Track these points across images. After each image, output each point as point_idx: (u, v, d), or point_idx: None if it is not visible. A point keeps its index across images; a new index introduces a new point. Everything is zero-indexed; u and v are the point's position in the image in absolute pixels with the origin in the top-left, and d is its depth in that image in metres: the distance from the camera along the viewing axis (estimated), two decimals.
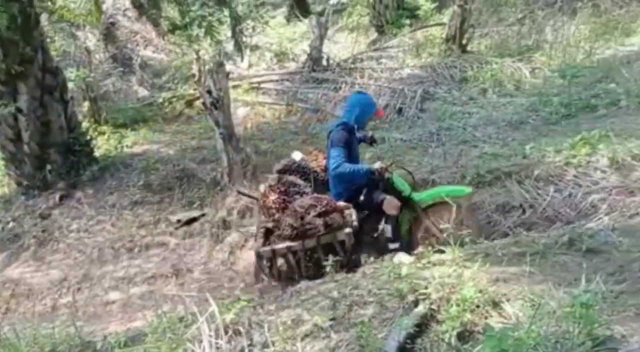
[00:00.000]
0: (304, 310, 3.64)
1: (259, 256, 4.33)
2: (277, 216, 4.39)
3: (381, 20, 12.08)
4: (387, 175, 4.50)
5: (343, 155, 4.40)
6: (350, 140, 4.53)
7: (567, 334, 2.63)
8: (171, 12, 12.90)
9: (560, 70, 7.64)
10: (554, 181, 5.40)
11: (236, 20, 9.88)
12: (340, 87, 9.10)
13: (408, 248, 4.56)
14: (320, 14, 10.94)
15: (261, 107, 9.07)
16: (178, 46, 12.21)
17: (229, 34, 9.27)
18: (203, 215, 6.38)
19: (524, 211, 5.28)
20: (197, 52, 8.89)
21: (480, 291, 3.46)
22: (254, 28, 12.43)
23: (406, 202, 4.59)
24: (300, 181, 4.64)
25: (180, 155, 7.78)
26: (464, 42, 9.48)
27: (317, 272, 4.24)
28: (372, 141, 5.05)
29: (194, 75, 8.63)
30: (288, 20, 14.28)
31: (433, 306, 3.42)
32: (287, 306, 3.88)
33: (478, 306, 3.22)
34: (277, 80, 9.83)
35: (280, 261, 4.32)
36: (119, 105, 9.72)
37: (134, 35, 12.45)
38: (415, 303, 3.49)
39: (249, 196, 5.43)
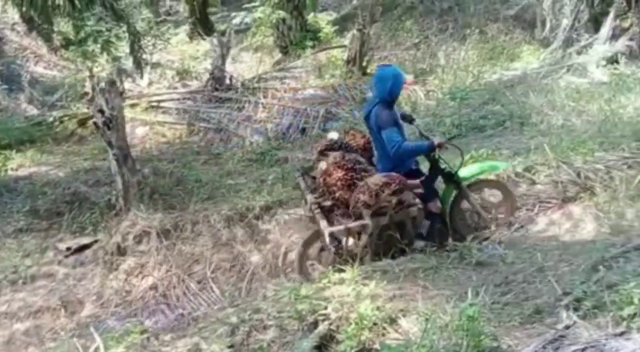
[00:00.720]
0: (202, 339, 3.51)
1: (331, 237, 4.10)
2: (338, 194, 4.23)
3: (285, 41, 12.21)
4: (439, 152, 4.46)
5: (399, 135, 4.28)
6: (396, 117, 4.42)
7: (456, 346, 2.72)
8: (64, 26, 12.27)
9: (452, 92, 8.10)
10: None
11: (135, 37, 9.57)
12: (244, 107, 9.04)
13: (444, 224, 4.61)
14: (222, 33, 10.86)
15: (161, 127, 8.78)
16: (72, 62, 11.61)
17: (128, 50, 8.95)
18: (96, 241, 6.00)
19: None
20: (90, 68, 8.46)
21: (378, 308, 3.51)
22: (154, 45, 12.12)
23: (451, 178, 4.60)
24: (361, 158, 4.45)
25: (71, 177, 7.30)
26: (364, 64, 9.81)
27: (386, 251, 4.23)
28: (410, 119, 4.90)
29: (86, 93, 8.18)
30: (191, 38, 14.06)
31: (332, 326, 3.42)
32: (184, 335, 3.73)
33: (375, 324, 3.26)
34: (178, 99, 9.59)
35: (351, 241, 4.18)
36: (4, 124, 8.99)
37: (23, 51, 11.69)
38: (315, 324, 3.48)
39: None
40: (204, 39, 12.64)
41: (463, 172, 4.68)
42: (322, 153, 4.60)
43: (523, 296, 3.51)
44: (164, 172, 7.17)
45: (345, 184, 4.22)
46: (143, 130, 8.76)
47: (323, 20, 12.84)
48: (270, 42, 12.71)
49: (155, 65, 11.89)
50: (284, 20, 11.69)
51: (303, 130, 8.34)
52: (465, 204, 4.81)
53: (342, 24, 12.57)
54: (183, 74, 11.37)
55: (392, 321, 3.52)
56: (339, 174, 4.25)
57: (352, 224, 4.15)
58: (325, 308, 3.61)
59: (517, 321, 3.22)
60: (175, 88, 10.71)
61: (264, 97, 9.32)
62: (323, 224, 4.17)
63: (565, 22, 9.05)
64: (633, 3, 8.52)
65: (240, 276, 5.46)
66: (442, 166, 4.61)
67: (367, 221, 4.11)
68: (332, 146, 4.63)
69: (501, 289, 3.69)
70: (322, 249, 4.46)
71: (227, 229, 5.76)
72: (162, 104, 9.43)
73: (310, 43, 11.88)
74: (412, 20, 11.93)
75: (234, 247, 5.65)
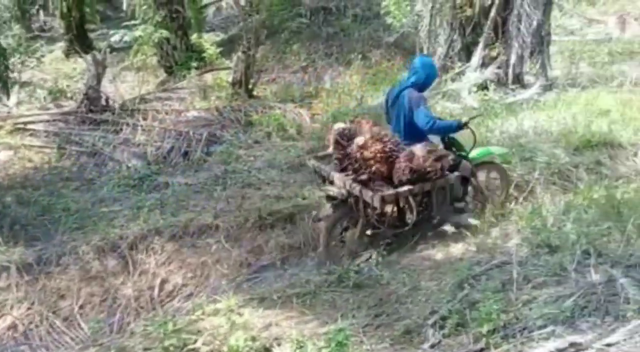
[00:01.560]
0: None
1: (382, 200, 4.35)
2: (375, 167, 4.42)
3: (170, 61, 11.86)
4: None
5: (431, 112, 4.81)
6: (426, 99, 4.85)
7: None
8: None
9: (338, 116, 8.25)
10: None
11: (1, 54, 8.82)
12: (121, 129, 8.56)
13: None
14: (98, 50, 10.30)
15: (28, 151, 8.04)
16: None
17: None
18: None
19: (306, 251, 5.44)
20: None
21: (253, 338, 3.37)
22: (24, 63, 11.24)
23: (464, 158, 4.95)
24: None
25: None
26: (250, 87, 9.74)
27: (425, 217, 4.68)
28: None
29: None
30: (67, 55, 13.20)
31: None
32: None
33: None
34: (48, 121, 8.87)
35: (389, 208, 4.56)
36: None
37: None
38: None
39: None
40: (81, 57, 11.90)
41: (472, 154, 5.11)
42: (338, 142, 4.75)
43: (395, 316, 3.54)
44: (28, 200, 6.55)
45: (384, 157, 4.45)
46: (7, 154, 7.98)
47: (209, 41, 12.67)
48: (154, 61, 12.29)
49: (26, 84, 11.01)
50: (168, 39, 11.34)
51: (185, 153, 8.05)
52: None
53: (229, 46, 12.46)
54: (57, 93, 10.59)
55: (267, 351, 3.40)
56: (378, 146, 4.44)
57: (401, 189, 4.45)
58: (195, 342, 3.42)
59: (388, 342, 3.23)
60: (48, 109, 9.94)
61: (144, 119, 8.89)
62: (368, 193, 4.37)
63: (440, 50, 9.59)
64: (500, 34, 9.24)
65: (111, 310, 5.08)
66: (457, 147, 5.05)
67: (411, 186, 4.45)
68: (345, 134, 4.74)
69: (375, 311, 3.71)
70: (346, 229, 4.82)
71: (97, 260, 5.34)
72: (29, 126, 8.66)
73: (195, 64, 11.63)
74: (300, 43, 12.08)
75: (105, 280, 5.25)
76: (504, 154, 5.62)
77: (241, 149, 7.84)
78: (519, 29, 8.77)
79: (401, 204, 4.75)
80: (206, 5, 15.12)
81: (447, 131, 4.97)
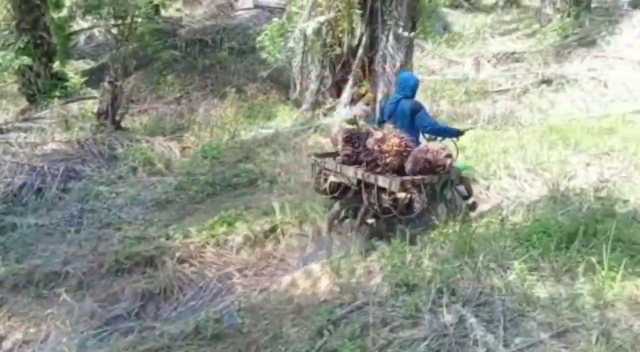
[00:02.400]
0: None
1: (401, 185, 4.80)
2: (389, 159, 4.92)
3: (32, 89, 10.94)
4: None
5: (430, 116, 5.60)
6: (422, 105, 5.50)
7: None
8: None
9: (208, 150, 8.03)
10: (194, 262, 5.41)
11: None
12: None
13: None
14: None
15: None
16: None
17: None
18: None
19: (167, 297, 5.10)
20: None
21: None
22: None
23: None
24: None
25: None
26: (117, 118, 9.19)
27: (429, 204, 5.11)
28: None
29: None
30: None
31: None
32: None
33: None
34: None
35: (401, 195, 4.85)
36: None
37: None
38: None
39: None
40: None
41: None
42: (347, 140, 5.33)
43: None
44: None
45: (399, 150, 4.95)
46: None
47: (76, 68, 11.89)
48: (15, 89, 11.29)
49: None
50: (30, 67, 10.48)
51: (39, 190, 7.31)
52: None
53: (98, 74, 11.74)
54: None
55: None
56: (395, 141, 4.95)
57: (417, 177, 4.93)
58: None
59: None
60: None
61: None
62: (386, 179, 4.85)
63: (312, 86, 9.81)
64: (367, 73, 9.64)
65: None
66: None
67: (424, 176, 4.96)
68: (354, 134, 5.37)
69: None
70: (344, 218, 5.42)
71: None
72: None
73: (59, 93, 10.82)
74: (174, 74, 11.74)
75: None
76: (469, 167, 6.11)
77: (102, 185, 7.30)
78: (384, 69, 9.20)
79: (410, 193, 4.99)
80: (76, 32, 14.21)
81: (446, 134, 5.61)
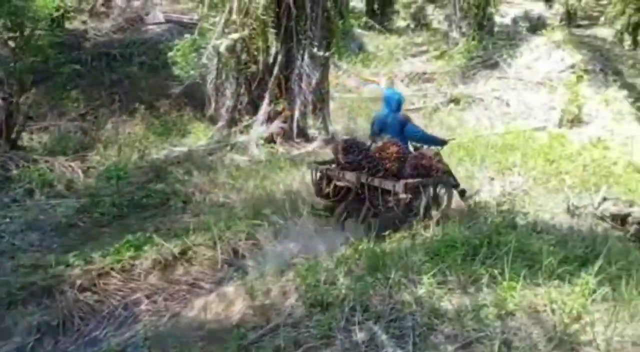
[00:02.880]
0: None
1: (405, 187, 5.40)
2: (389, 164, 5.60)
3: None
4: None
5: (417, 126, 6.41)
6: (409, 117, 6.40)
7: None
8: None
9: (114, 170, 7.64)
10: (97, 290, 5.06)
11: None
12: None
13: None
14: None
15: None
16: None
17: None
18: None
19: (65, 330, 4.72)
20: None
21: None
22: None
23: None
24: None
25: None
26: (12, 136, 8.54)
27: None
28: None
29: None
30: None
31: None
32: None
33: None
34: None
35: (403, 195, 5.39)
36: None
37: None
38: None
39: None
40: None
41: None
42: (347, 149, 5.86)
43: None
44: None
45: (397, 157, 5.64)
46: None
47: None
48: None
49: None
50: None
51: None
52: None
53: None
54: None
55: None
56: (394, 149, 5.67)
57: (417, 179, 5.53)
58: None
59: None
60: None
61: None
62: (390, 183, 5.50)
63: (228, 103, 9.65)
64: (284, 91, 9.63)
65: None
66: None
67: (422, 178, 5.55)
68: (352, 144, 5.96)
69: None
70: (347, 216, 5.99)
71: None
72: None
73: None
74: (79, 89, 11.12)
75: None
76: None
77: None
78: (300, 87, 9.25)
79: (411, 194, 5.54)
80: None
81: (432, 142, 6.27)
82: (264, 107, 9.43)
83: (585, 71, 14.54)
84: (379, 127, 6.30)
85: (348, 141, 6.16)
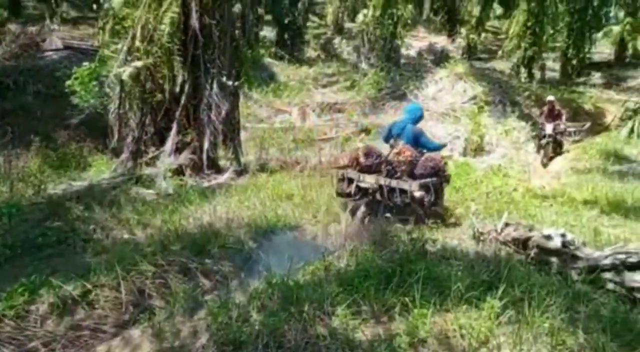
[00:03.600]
0: None
1: (420, 186, 6.71)
2: (404, 167, 6.84)
3: None
4: None
5: (430, 138, 7.69)
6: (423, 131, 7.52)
7: None
8: None
9: (7, 207, 7.00)
10: None
11: None
12: None
13: None
14: None
15: None
16: None
17: None
18: None
19: None
20: None
21: None
22: None
23: None
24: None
25: None
26: None
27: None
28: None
29: None
30: None
31: None
32: None
33: None
34: None
35: (419, 193, 6.65)
36: None
37: None
38: None
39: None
40: None
41: None
42: (367, 155, 7.07)
43: None
44: None
45: (411, 160, 6.83)
46: None
47: None
48: None
49: None
50: None
51: None
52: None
53: None
54: None
55: None
56: (408, 153, 6.85)
57: (428, 179, 6.85)
58: None
59: None
60: None
61: None
62: (406, 183, 6.67)
63: (133, 134, 9.23)
64: (192, 121, 9.38)
65: None
66: None
67: (431, 178, 6.89)
68: (371, 151, 7.20)
69: None
70: (354, 211, 6.86)
71: None
72: None
73: None
74: None
75: None
76: None
77: None
78: (209, 117, 9.07)
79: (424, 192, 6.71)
80: None
81: (439, 149, 7.67)
82: (172, 138, 9.12)
83: (486, 102, 15.55)
84: (397, 133, 7.33)
85: (368, 147, 7.42)
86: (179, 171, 9.00)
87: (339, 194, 7.28)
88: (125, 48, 8.95)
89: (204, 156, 9.13)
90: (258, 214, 7.12)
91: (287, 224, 6.95)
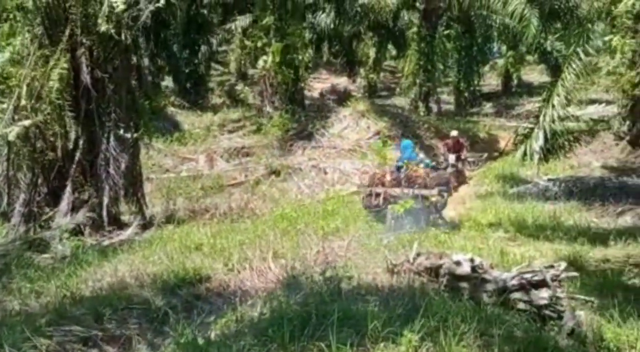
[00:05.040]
0: None
1: (438, 193, 9.45)
2: (420, 180, 9.33)
3: None
4: None
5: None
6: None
7: None
8: None
9: None
10: None
11: None
12: None
13: None
14: None
15: None
16: None
17: None
18: None
19: None
20: None
21: None
22: None
23: None
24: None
25: None
26: None
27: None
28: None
29: None
30: None
31: None
32: None
33: None
34: None
35: (435, 198, 9.37)
36: None
37: None
38: None
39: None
40: None
41: None
42: (391, 173, 9.88)
43: None
44: None
45: (424, 175, 9.38)
46: None
47: None
48: None
49: None
50: None
51: None
52: None
53: None
54: None
55: None
56: (421, 171, 9.52)
57: (441, 188, 9.59)
58: None
59: None
60: None
61: None
62: (426, 191, 9.21)
63: (24, 196, 8.52)
64: (89, 177, 8.83)
65: None
66: None
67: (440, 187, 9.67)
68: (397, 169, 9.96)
69: None
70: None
71: None
72: None
73: None
74: None
75: None
76: None
77: None
78: (108, 172, 8.58)
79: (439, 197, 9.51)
80: None
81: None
82: (67, 197, 8.51)
83: (389, 137, 16.03)
84: (406, 158, 10.06)
85: (386, 170, 10.07)
86: (77, 231, 8.38)
87: (367, 207, 9.45)
88: (11, 107, 8.31)
89: (104, 213, 8.57)
90: (165, 268, 6.70)
91: (196, 276, 6.58)
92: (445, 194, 9.69)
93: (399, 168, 9.85)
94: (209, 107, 19.51)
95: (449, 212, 10.31)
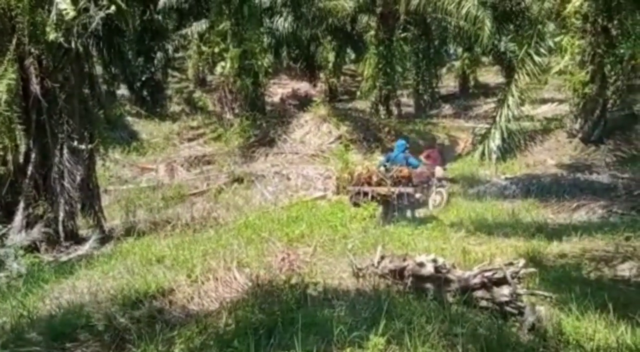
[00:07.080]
0: None
1: (421, 191, 10.72)
2: (404, 180, 10.02)
3: None
4: None
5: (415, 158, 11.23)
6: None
7: None
8: None
9: None
10: None
11: None
12: None
13: None
14: None
15: None
16: None
17: None
18: None
19: None
20: None
21: None
22: None
23: None
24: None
25: None
26: None
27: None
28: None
29: None
30: None
31: None
32: None
33: None
34: None
35: (418, 195, 10.39)
36: None
37: None
38: None
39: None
40: None
41: None
42: (369, 178, 10.40)
43: None
44: None
45: (408, 175, 10.11)
46: None
47: None
48: None
49: None
50: None
51: None
52: None
53: None
54: None
55: None
56: (405, 170, 10.15)
57: (426, 185, 11.34)
58: None
59: None
60: None
61: None
62: (409, 189, 10.02)
63: None
64: (43, 191, 8.54)
65: None
66: None
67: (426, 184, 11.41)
68: (385, 170, 10.53)
69: None
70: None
71: None
72: None
73: None
74: None
75: None
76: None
77: None
78: (62, 185, 8.32)
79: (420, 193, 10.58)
80: None
81: (419, 165, 10.82)
82: (20, 212, 8.21)
83: (351, 141, 16.12)
84: (393, 160, 10.61)
85: (373, 170, 10.56)
86: (32, 248, 8.09)
87: (355, 204, 10.29)
88: None
89: (60, 228, 8.31)
90: (125, 283, 6.52)
91: (158, 290, 6.42)
92: (427, 192, 11.14)
93: (385, 167, 10.57)
94: (168, 115, 19.18)
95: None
